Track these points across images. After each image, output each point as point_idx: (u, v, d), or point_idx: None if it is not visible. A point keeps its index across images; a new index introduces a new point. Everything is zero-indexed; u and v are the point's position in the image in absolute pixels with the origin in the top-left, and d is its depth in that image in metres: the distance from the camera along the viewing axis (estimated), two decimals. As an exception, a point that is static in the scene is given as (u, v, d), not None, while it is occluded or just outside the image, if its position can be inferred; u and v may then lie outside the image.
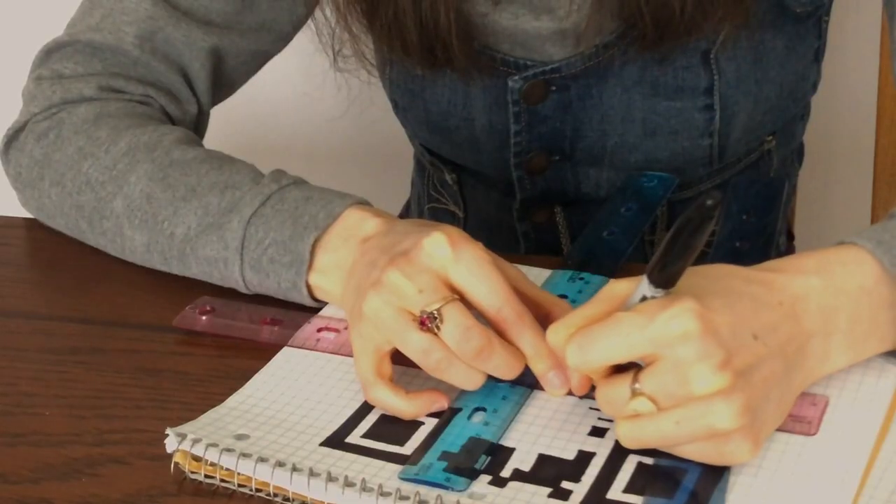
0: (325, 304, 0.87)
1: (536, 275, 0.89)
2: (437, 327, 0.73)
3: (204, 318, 0.87)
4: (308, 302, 0.86)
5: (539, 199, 1.11)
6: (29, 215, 1.02)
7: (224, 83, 1.07)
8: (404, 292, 0.74)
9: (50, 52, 1.01)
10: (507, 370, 0.74)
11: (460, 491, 0.69)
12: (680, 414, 0.68)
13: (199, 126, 1.06)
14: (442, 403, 0.76)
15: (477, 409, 0.75)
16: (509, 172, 1.09)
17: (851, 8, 1.45)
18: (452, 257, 0.75)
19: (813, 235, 1.53)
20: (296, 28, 1.07)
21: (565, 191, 1.10)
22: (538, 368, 0.75)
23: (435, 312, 0.73)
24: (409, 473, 0.70)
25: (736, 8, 0.95)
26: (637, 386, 0.68)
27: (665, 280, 0.67)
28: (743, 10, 0.96)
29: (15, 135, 0.99)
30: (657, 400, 0.68)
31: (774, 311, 0.71)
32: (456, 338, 0.73)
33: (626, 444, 0.70)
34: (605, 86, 1.02)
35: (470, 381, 0.74)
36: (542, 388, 0.76)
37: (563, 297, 0.84)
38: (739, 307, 0.70)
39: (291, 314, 0.86)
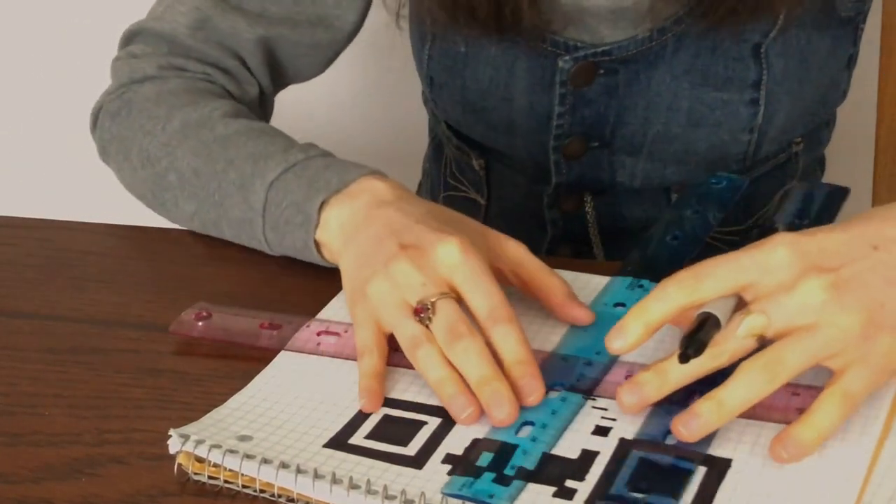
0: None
1: (597, 283, 0.87)
2: (430, 318, 0.76)
3: (200, 324, 0.86)
4: (317, 260, 0.90)
5: (572, 186, 1.11)
6: (29, 215, 1.04)
7: (285, 72, 1.09)
8: (409, 282, 0.78)
9: (127, 37, 1.08)
10: (480, 370, 0.74)
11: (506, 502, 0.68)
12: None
13: (262, 106, 1.09)
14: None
15: (525, 424, 0.74)
16: (544, 156, 1.08)
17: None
18: (460, 263, 0.78)
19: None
20: (362, 19, 1.08)
21: (600, 178, 1.09)
22: (514, 372, 0.75)
23: (429, 304, 0.76)
24: (453, 488, 0.69)
25: None
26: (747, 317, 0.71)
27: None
28: None
29: (97, 113, 1.06)
30: (770, 315, 0.71)
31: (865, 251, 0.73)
32: (443, 327, 0.76)
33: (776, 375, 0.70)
34: (653, 72, 1.02)
35: (445, 385, 0.75)
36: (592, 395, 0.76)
37: (622, 305, 0.84)
38: (836, 236, 0.73)
39: (290, 318, 0.86)
